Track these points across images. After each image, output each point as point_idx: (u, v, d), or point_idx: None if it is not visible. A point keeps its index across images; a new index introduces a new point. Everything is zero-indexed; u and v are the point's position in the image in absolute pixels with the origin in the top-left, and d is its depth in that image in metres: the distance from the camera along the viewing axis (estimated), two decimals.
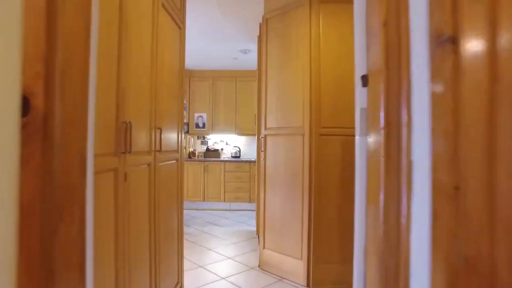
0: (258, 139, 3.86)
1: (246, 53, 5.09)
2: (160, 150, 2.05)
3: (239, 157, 6.48)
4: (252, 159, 6.01)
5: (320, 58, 2.78)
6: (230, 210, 6.07)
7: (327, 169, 2.73)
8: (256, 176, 4.00)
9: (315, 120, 2.75)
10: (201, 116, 6.41)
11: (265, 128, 3.27)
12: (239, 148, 6.55)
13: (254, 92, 6.17)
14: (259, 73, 3.83)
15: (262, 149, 3.24)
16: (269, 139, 3.22)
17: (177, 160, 2.51)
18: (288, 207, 2.96)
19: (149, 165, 1.93)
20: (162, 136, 2.11)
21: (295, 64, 2.97)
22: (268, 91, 3.29)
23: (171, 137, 2.37)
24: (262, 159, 3.26)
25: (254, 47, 4.69)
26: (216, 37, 4.57)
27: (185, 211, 6.11)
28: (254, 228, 4.65)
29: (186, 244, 3.96)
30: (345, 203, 2.69)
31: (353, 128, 1.39)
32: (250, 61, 5.61)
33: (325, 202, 2.73)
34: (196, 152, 6.47)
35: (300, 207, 2.81)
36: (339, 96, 2.75)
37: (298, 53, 2.92)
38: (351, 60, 1.44)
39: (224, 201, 6.07)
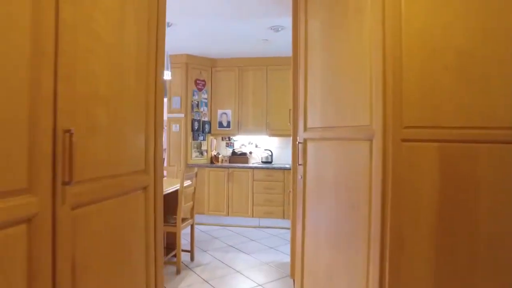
0: (294, 144, 2.75)
1: (278, 30, 3.97)
2: (69, 181, 1.00)
3: (270, 162, 5.38)
4: (287, 166, 4.88)
5: (401, 20, 1.60)
6: (259, 227, 4.99)
7: (415, 200, 1.55)
8: (292, 188, 2.92)
9: (394, 115, 1.58)
10: (225, 113, 5.38)
11: (305, 130, 2.15)
12: (271, 152, 5.44)
13: (289, 82, 5.03)
14: (295, 57, 2.72)
15: (300, 162, 2.11)
16: (310, 145, 2.10)
17: (145, 188, 1.45)
18: (340, 259, 1.81)
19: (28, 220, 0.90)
20: (86, 143, 1.06)
21: (355, 38, 1.82)
22: (308, 78, 2.20)
23: (127, 145, 1.33)
24: (299, 176, 2.14)
25: (288, 22, 3.54)
26: (237, 12, 3.50)
27: (205, 228, 5.05)
28: (288, 259, 3.53)
29: (194, 283, 2.93)
30: (449, 264, 1.50)
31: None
32: (283, 43, 4.49)
33: (411, 261, 1.55)
34: (219, 156, 5.45)
35: (363, 262, 1.65)
36: (434, 74, 1.56)
37: (361, 22, 1.77)
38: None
39: (252, 217, 5.00)
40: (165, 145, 12.32)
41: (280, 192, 4.89)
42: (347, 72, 1.89)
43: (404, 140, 1.57)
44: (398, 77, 1.57)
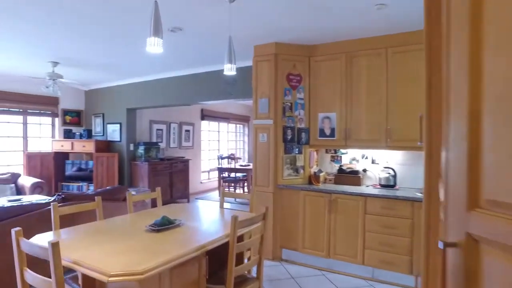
0: (430, 159, 1.30)
1: None
2: None
3: (393, 186, 3.76)
4: (418, 195, 3.22)
5: None
6: (372, 280, 3.46)
7: None
8: (423, 229, 1.46)
9: None
10: (328, 118, 4.02)
11: None
12: (393, 171, 3.81)
13: (420, 71, 3.35)
14: (429, 28, 1.26)
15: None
16: None
17: None
18: None
19: None
20: None
21: None
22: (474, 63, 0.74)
23: None
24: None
25: None
26: None
27: (297, 270, 3.71)
28: None
29: None
30: None
31: None
32: (412, 8, 2.89)
33: None
34: (321, 175, 4.12)
35: None
36: None
37: None
38: None
39: (363, 264, 3.51)
40: (247, 160, 11.40)
41: (406, 233, 3.26)
42: None
43: None
44: None
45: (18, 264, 1.69)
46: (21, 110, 6.45)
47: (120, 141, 6.84)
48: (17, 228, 1.69)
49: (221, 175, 8.27)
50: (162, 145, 7.80)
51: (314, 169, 4.24)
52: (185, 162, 7.66)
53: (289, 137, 4.05)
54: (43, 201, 3.50)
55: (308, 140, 4.14)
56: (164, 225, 2.32)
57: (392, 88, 3.59)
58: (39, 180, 5.88)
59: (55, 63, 5.04)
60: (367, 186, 3.93)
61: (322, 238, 3.75)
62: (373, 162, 4.06)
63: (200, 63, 5.17)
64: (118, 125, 6.82)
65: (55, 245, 1.48)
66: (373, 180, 4.03)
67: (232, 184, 8.32)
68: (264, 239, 2.41)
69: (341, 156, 4.30)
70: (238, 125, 11.40)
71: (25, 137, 6.68)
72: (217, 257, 2.45)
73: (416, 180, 3.72)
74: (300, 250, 3.90)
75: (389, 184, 3.77)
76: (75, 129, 7.14)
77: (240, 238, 2.49)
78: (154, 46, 2.11)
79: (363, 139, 3.79)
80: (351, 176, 4.04)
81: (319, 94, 4.06)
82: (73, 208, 2.60)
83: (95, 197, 2.78)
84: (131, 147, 6.85)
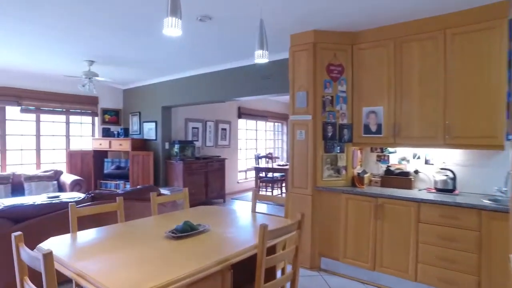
0: None
1: None
2: None
3: (452, 190, 3.23)
4: (486, 203, 2.70)
5: None
6: None
7: None
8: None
9: None
10: (374, 112, 3.58)
11: None
12: (453, 174, 3.28)
13: (489, 53, 2.80)
14: None
15: None
16: None
17: None
18: None
19: None
20: None
21: None
22: None
23: None
24: None
25: None
26: None
27: (337, 282, 3.30)
28: None
29: None
30: None
31: None
32: None
33: None
34: (365, 176, 3.68)
35: None
36: None
37: None
38: None
39: (415, 280, 3.03)
40: (285, 160, 10.90)
41: (471, 248, 2.75)
42: None
43: None
44: None
45: (18, 274, 1.51)
46: (64, 109, 6.63)
47: (155, 139, 6.80)
48: (18, 233, 1.50)
49: (258, 175, 8.00)
50: (198, 143, 7.69)
51: (358, 169, 3.81)
52: (221, 161, 7.48)
53: (329, 134, 3.66)
54: (71, 200, 3.43)
55: (351, 137, 3.72)
56: (185, 231, 2.07)
57: (451, 77, 3.07)
58: (78, 177, 5.97)
59: (91, 62, 5.05)
60: (419, 190, 3.43)
61: (367, 248, 3.32)
62: (426, 162, 3.54)
63: (233, 56, 4.92)
64: (154, 124, 6.79)
65: (47, 257, 1.26)
66: (426, 183, 3.52)
67: (270, 185, 8.01)
68: (299, 250, 2.07)
69: (388, 156, 3.82)
70: (276, 124, 11.08)
71: (67, 135, 6.86)
72: (246, 269, 2.15)
73: (481, 184, 3.17)
74: (342, 259, 3.49)
75: (447, 188, 3.25)
76: (113, 128, 7.23)
77: (272, 249, 2.18)
78: (172, 27, 1.84)
79: (415, 136, 3.30)
80: (401, 178, 3.56)
81: (364, 86, 3.62)
82: (92, 209, 2.43)
83: (117, 197, 2.60)
84: (166, 145, 6.79)
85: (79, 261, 1.63)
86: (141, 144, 6.80)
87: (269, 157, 8.60)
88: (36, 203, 3.19)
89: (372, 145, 3.73)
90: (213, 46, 4.33)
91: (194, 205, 6.59)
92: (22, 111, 6.09)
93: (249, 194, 8.59)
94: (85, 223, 2.76)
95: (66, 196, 4.75)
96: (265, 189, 8.45)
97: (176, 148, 6.65)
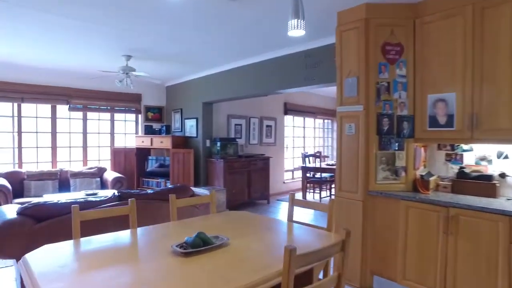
0: None
1: None
2: None
3: None
4: None
5: None
6: None
7: None
8: None
9: None
10: (442, 101, 2.87)
11: None
12: None
13: None
14: None
15: None
16: None
17: None
18: None
19: None
20: None
21: None
22: None
23: None
24: None
25: None
26: None
27: None
28: None
29: None
30: None
31: None
32: None
33: None
34: (431, 180, 2.99)
35: None
36: None
37: None
38: None
39: None
40: (334, 158, 10.01)
41: None
42: None
43: None
44: None
45: None
46: (109, 107, 6.67)
47: (196, 136, 6.57)
48: None
49: (306, 175, 7.43)
50: (241, 141, 7.33)
51: (421, 171, 3.12)
52: (265, 160, 7.05)
53: (385, 128, 3.03)
54: (97, 198, 3.22)
55: (412, 131, 3.04)
56: (196, 246, 1.65)
57: None
58: (120, 175, 5.93)
59: (128, 57, 4.90)
60: (508, 199, 2.67)
61: (434, 270, 2.65)
62: None
63: (274, 44, 4.44)
64: (195, 120, 6.56)
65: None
66: None
67: (317, 186, 7.41)
68: (342, 278, 1.54)
69: (462, 154, 3.09)
70: (326, 121, 10.38)
71: (112, 133, 6.91)
72: None
73: None
74: (399, 281, 2.85)
75: None
76: (155, 125, 7.15)
77: (308, 273, 1.68)
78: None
79: (503, 128, 2.55)
80: (480, 183, 2.82)
81: (430, 68, 2.93)
82: (98, 213, 2.12)
83: (129, 200, 2.27)
84: (207, 143, 6.52)
85: (50, 283, 1.29)
86: (182, 142, 6.62)
87: (317, 155, 7.98)
88: (59, 202, 3.02)
89: (440, 141, 3.02)
90: (252, 33, 3.89)
91: (235, 206, 6.28)
92: (70, 109, 6.21)
93: (296, 195, 8.04)
94: (100, 225, 2.49)
95: (103, 194, 4.65)
96: (312, 191, 7.85)
97: (217, 145, 6.35)
